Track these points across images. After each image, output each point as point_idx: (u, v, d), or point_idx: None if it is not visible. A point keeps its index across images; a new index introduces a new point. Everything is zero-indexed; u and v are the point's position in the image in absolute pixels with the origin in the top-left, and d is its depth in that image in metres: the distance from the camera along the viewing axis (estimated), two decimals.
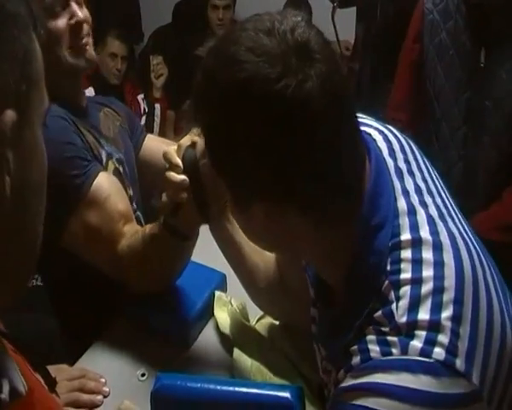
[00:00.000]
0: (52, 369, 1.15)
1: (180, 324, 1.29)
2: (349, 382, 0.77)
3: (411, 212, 0.81)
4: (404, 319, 0.75)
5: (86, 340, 1.30)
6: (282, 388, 1.13)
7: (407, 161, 0.87)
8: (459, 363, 0.73)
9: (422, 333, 0.74)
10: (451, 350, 0.73)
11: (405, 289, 0.76)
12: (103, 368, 1.24)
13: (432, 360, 0.73)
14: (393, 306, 0.76)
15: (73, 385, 1.18)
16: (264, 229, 0.81)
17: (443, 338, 0.73)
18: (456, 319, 0.75)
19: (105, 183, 1.28)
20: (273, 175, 0.74)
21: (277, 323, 1.30)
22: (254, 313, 1.32)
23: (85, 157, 1.27)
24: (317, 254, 0.85)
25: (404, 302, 0.76)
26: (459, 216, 0.87)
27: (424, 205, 0.83)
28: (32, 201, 0.50)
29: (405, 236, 0.79)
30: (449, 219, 0.83)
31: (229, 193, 0.82)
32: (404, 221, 0.80)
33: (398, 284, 0.77)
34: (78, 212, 1.25)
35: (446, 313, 0.74)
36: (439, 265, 0.77)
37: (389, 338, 0.75)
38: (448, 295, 0.75)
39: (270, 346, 1.25)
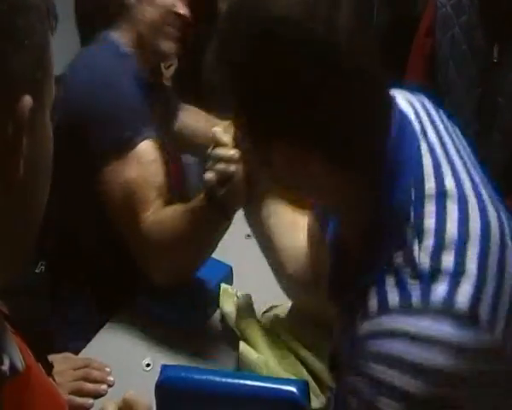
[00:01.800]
0: (58, 358, 1.17)
1: (185, 317, 1.29)
2: (365, 328, 0.76)
3: (436, 164, 0.80)
4: (426, 265, 0.73)
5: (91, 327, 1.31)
6: (287, 382, 1.12)
7: (433, 123, 0.86)
8: (483, 314, 0.71)
9: (445, 279, 0.72)
10: (474, 297, 0.71)
11: (429, 236, 0.74)
12: (108, 357, 1.24)
13: (454, 310, 0.70)
14: (416, 253, 0.74)
15: (78, 374, 1.18)
16: (287, 175, 0.80)
17: (466, 287, 0.71)
18: (482, 265, 0.73)
19: (153, 150, 1.30)
20: (300, 111, 0.73)
21: (283, 317, 1.29)
22: (260, 306, 1.32)
23: (145, 121, 1.31)
24: (339, 204, 0.84)
25: (427, 250, 0.74)
26: (482, 176, 0.85)
27: (448, 158, 0.81)
28: (39, 183, 0.52)
29: (430, 184, 0.77)
30: (474, 173, 0.82)
31: (251, 139, 0.82)
32: (429, 171, 0.79)
33: (421, 232, 0.75)
34: (121, 161, 1.27)
35: (471, 263, 0.73)
36: (463, 216, 0.75)
37: (409, 284, 0.73)
38: (473, 246, 0.74)
39: (276, 340, 1.24)
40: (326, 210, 0.98)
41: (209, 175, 1.17)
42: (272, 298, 1.33)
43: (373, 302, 0.76)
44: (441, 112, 0.90)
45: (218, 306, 1.33)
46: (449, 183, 0.78)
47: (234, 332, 1.27)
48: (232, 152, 1.15)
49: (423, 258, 0.74)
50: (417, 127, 0.83)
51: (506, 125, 1.57)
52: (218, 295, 1.34)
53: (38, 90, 0.50)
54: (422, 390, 0.70)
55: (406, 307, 0.73)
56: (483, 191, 0.80)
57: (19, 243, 0.53)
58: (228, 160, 1.15)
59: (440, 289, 0.71)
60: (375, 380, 0.73)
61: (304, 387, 1.06)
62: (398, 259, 0.76)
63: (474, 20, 1.59)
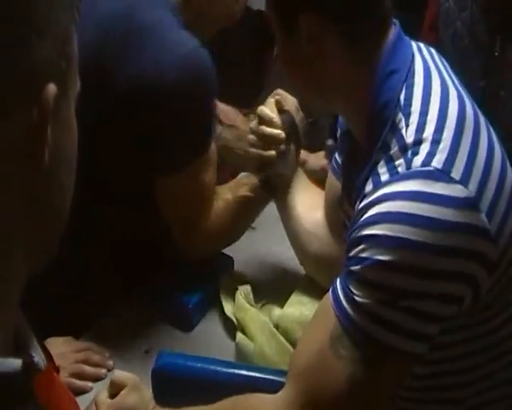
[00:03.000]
0: (59, 341, 1.20)
1: (184, 306, 1.31)
2: (362, 203, 0.88)
3: (426, 67, 0.94)
4: (411, 139, 0.86)
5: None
6: (283, 373, 1.13)
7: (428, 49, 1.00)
8: (455, 171, 0.83)
9: (425, 147, 0.85)
10: (449, 160, 0.84)
11: (415, 117, 0.88)
12: (108, 342, 1.26)
13: (431, 168, 0.83)
14: (403, 130, 0.88)
15: (79, 357, 1.21)
16: (304, 56, 0.94)
17: (442, 150, 0.84)
18: (457, 138, 0.86)
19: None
20: None
21: (282, 309, 1.31)
22: (260, 297, 1.33)
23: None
24: (345, 95, 0.97)
25: (412, 127, 0.87)
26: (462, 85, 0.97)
27: (439, 70, 0.95)
28: (63, 174, 0.53)
29: (418, 78, 0.92)
30: (459, 86, 0.95)
31: (283, 25, 0.96)
32: (419, 70, 0.93)
33: (408, 114, 0.88)
34: (201, 163, 1.23)
35: (448, 133, 0.86)
36: (444, 102, 0.89)
37: (396, 160, 0.87)
38: (451, 121, 0.87)
39: (273, 331, 1.25)
40: (331, 106, 1.07)
41: (251, 154, 1.26)
42: (271, 291, 1.35)
43: (369, 185, 0.89)
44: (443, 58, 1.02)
45: (219, 297, 1.34)
46: (435, 82, 0.92)
47: (232, 322, 1.29)
48: (279, 131, 1.24)
49: (409, 132, 0.87)
50: (414, 46, 0.97)
51: (508, 118, 1.56)
52: (219, 286, 1.35)
53: (62, 79, 0.50)
54: (415, 234, 0.81)
55: (393, 178, 0.85)
56: (462, 91, 0.94)
57: (47, 229, 0.53)
58: (275, 140, 1.24)
59: (420, 157, 0.84)
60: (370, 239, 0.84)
61: None
62: (389, 140, 0.89)
63: (476, 15, 1.59)
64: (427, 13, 1.73)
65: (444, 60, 1.02)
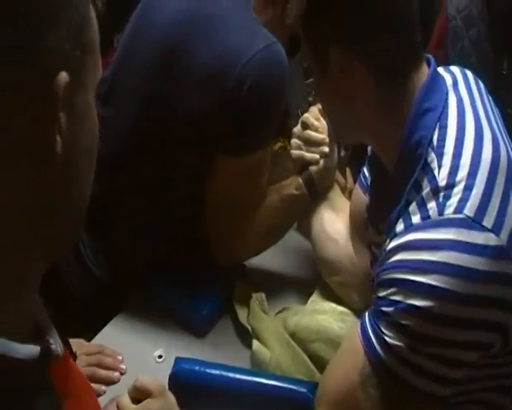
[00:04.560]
0: (71, 343, 1.15)
1: (198, 312, 1.28)
2: (394, 243, 0.88)
3: (460, 107, 0.93)
4: (443, 182, 0.86)
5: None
6: (300, 382, 1.13)
7: (464, 78, 1.00)
8: (487, 219, 0.84)
9: (458, 192, 0.85)
10: (481, 208, 0.84)
11: (447, 159, 0.88)
12: (121, 346, 1.23)
13: (463, 216, 0.83)
14: (436, 171, 0.88)
15: (91, 360, 1.17)
16: (337, 89, 0.95)
17: (474, 197, 0.84)
18: (489, 185, 0.86)
19: None
20: (348, 16, 0.91)
21: (297, 317, 1.29)
22: (274, 305, 1.31)
23: None
24: (377, 128, 0.97)
25: (445, 169, 0.87)
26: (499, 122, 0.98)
27: (474, 108, 0.94)
28: (81, 165, 0.52)
29: (452, 119, 0.91)
30: (495, 126, 0.94)
31: (314, 51, 0.97)
32: (453, 109, 0.93)
33: (441, 154, 0.88)
34: (261, 158, 1.23)
35: (480, 179, 0.86)
36: (478, 145, 0.89)
37: (428, 203, 0.87)
38: (484, 167, 0.87)
39: (289, 341, 1.23)
40: (363, 137, 1.06)
41: (314, 155, 1.30)
42: (286, 299, 1.34)
43: (400, 225, 0.90)
44: (480, 82, 1.02)
45: (232, 303, 1.32)
46: (469, 123, 0.91)
47: (247, 330, 1.26)
48: (324, 136, 1.29)
49: (442, 175, 0.87)
50: (450, 80, 0.97)
51: None
52: (232, 292, 1.33)
53: (78, 67, 0.49)
54: (447, 283, 0.82)
55: (425, 224, 0.86)
56: (497, 130, 0.93)
57: (65, 220, 0.52)
58: (319, 143, 1.29)
59: (453, 203, 0.84)
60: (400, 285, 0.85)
61: (315, 388, 1.06)
62: (422, 181, 0.89)
63: (483, 33, 1.62)
64: (434, 30, 1.75)
65: (481, 86, 1.02)
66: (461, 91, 0.96)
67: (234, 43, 1.16)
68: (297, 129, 1.33)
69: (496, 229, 0.83)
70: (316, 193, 1.32)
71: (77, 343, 1.17)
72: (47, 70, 0.46)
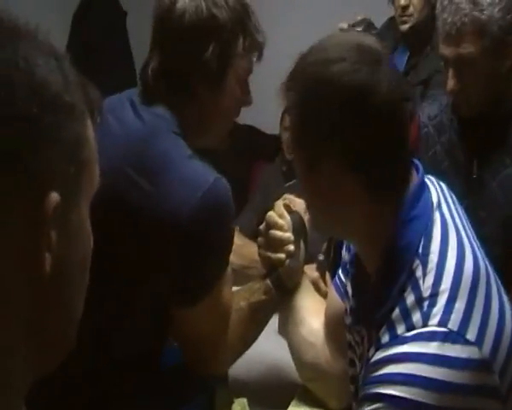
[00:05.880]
0: None
1: None
2: (379, 355, 0.91)
3: (443, 220, 0.98)
4: (428, 292, 0.90)
5: None
6: None
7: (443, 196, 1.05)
8: (471, 333, 0.88)
9: (441, 303, 0.89)
10: (464, 321, 0.88)
11: (431, 267, 0.92)
12: None
13: (447, 330, 0.87)
14: (420, 281, 0.92)
15: None
16: (327, 189, 0.97)
17: (458, 311, 0.89)
18: (471, 297, 0.90)
19: None
20: (345, 145, 0.94)
21: None
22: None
23: None
24: (362, 231, 1.00)
25: (429, 278, 0.91)
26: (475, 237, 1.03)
27: (455, 224, 1.00)
28: (74, 278, 0.52)
29: (436, 231, 0.96)
30: (470, 237, 1.01)
31: (305, 160, 0.99)
32: (437, 221, 0.97)
33: (425, 263, 0.93)
34: (222, 283, 1.20)
35: (463, 291, 0.90)
36: (460, 258, 0.94)
37: (412, 313, 0.90)
38: (466, 279, 0.92)
39: None
40: (345, 237, 1.11)
41: (280, 255, 1.29)
42: (268, 402, 1.34)
43: (385, 336, 0.92)
44: (452, 194, 1.09)
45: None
46: (452, 236, 0.96)
47: None
48: (288, 234, 1.29)
49: (426, 284, 0.91)
50: (434, 198, 1.01)
51: (489, 238, 1.62)
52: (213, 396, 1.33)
53: (71, 185, 0.49)
54: (431, 398, 0.86)
55: (410, 337, 0.89)
56: (473, 241, 1.00)
57: (56, 336, 0.52)
58: (284, 242, 1.29)
59: (436, 315, 0.89)
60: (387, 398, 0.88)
61: None
62: (406, 289, 0.92)
63: (454, 139, 1.68)
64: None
65: (454, 196, 1.07)
66: (443, 209, 1.01)
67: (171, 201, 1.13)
68: (262, 227, 1.33)
69: (478, 342, 0.88)
70: (286, 291, 1.32)
71: None
72: (37, 190, 0.46)
